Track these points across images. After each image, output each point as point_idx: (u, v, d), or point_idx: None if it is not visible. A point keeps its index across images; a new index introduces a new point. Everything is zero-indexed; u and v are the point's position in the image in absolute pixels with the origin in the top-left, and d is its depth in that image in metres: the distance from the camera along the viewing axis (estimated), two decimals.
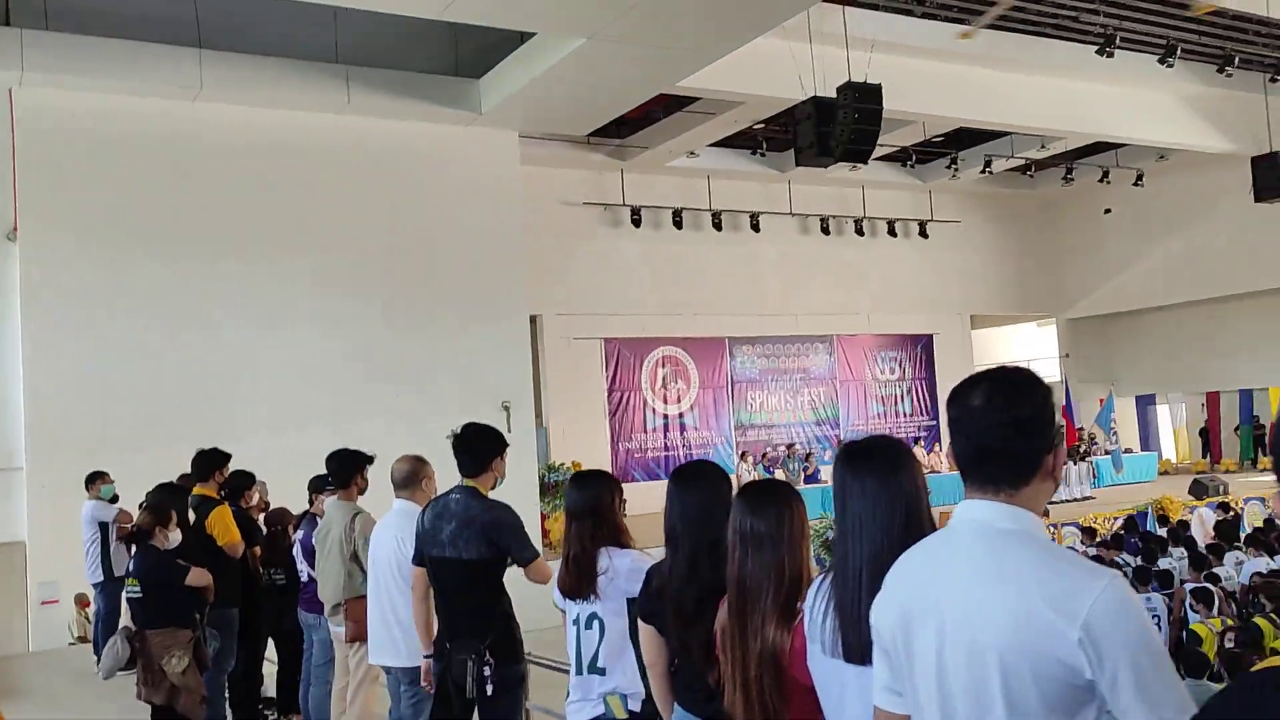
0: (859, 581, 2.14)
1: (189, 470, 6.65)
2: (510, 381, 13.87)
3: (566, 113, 13.95)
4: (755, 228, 19.48)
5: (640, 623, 3.07)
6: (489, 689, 3.92)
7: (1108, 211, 22.18)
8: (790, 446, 18.72)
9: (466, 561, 4.07)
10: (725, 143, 18.22)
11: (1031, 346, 25.20)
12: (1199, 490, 16.28)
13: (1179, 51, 14.92)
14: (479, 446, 4.28)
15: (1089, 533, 12.52)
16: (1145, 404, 23.41)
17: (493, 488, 4.32)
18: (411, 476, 4.83)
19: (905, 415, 21.66)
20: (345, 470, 5.57)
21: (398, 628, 4.67)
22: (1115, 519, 14.25)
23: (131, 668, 5.90)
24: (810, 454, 18.28)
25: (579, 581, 3.47)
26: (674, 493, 2.98)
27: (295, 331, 12.72)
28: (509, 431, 12.70)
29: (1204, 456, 22.85)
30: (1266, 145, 16.62)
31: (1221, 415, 22.26)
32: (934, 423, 21.65)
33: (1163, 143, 18.17)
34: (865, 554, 2.14)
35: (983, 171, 19.37)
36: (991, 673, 1.65)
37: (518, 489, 4.75)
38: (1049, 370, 24.97)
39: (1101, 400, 21.75)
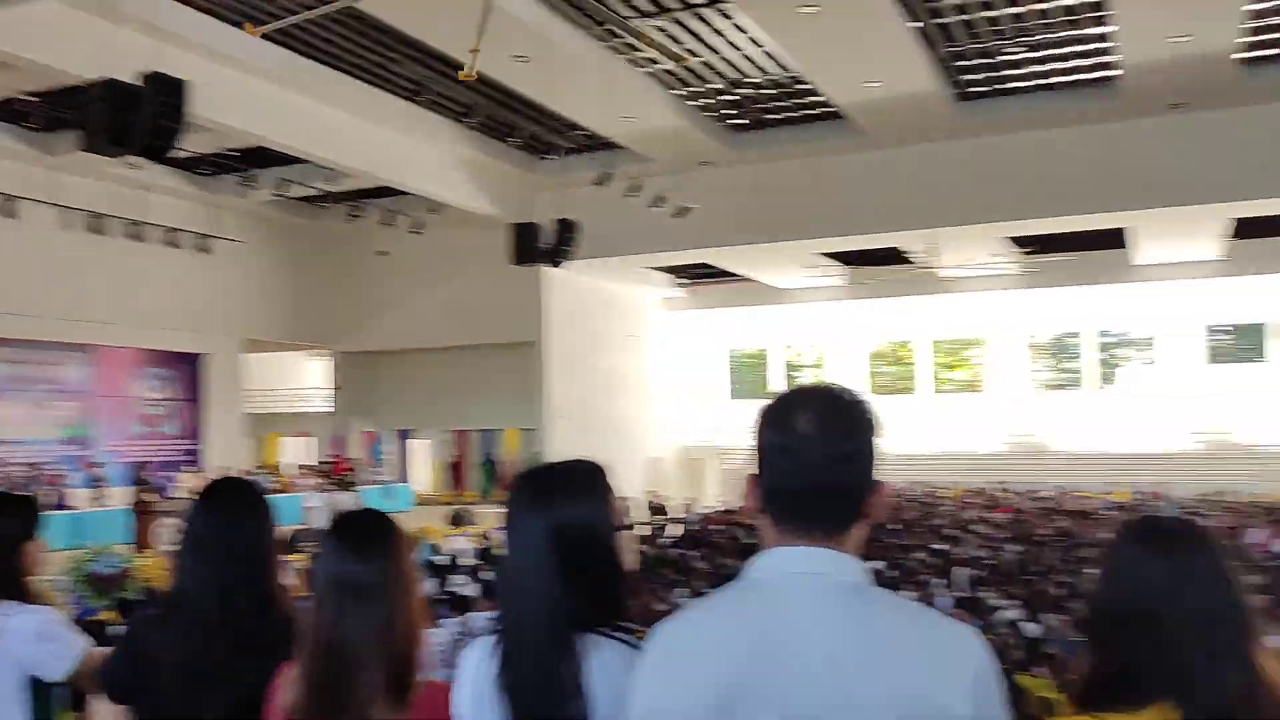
0: (538, 644, 1.74)
1: None
2: None
3: None
4: (10, 213, 16.83)
5: (107, 703, 2.28)
6: None
7: (383, 253, 23.35)
8: (35, 466, 16.33)
9: None
10: None
11: (306, 376, 25.40)
12: (459, 519, 17.70)
13: (475, 115, 16.47)
14: None
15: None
16: (404, 437, 24.98)
17: None
18: None
19: (169, 438, 20.31)
20: None
21: None
22: None
23: None
24: (61, 476, 16.16)
25: None
26: (200, 517, 2.28)
27: None
28: None
29: (452, 488, 25.08)
30: (527, 215, 18.92)
31: (467, 451, 24.71)
32: (197, 445, 20.62)
33: (438, 197, 19.66)
34: (543, 608, 1.76)
35: (276, 195, 19.16)
36: None
37: None
38: (323, 401, 25.43)
39: (370, 433, 22.68)
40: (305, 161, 18.56)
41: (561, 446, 22.34)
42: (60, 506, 15.09)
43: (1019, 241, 22.45)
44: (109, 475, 17.30)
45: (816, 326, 29.33)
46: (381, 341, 23.88)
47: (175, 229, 19.66)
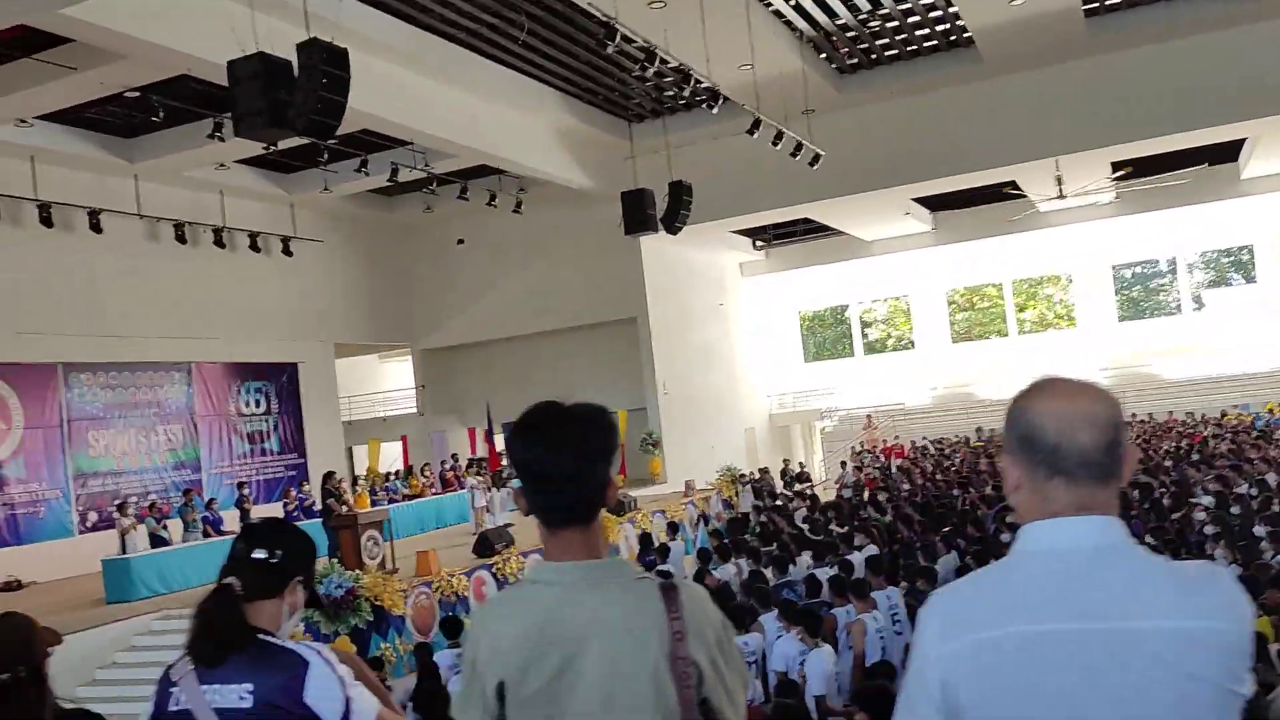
0: None
1: None
2: None
3: None
4: (96, 228, 15.61)
5: None
6: None
7: (460, 242, 22.25)
8: (187, 492, 14.87)
9: None
10: (62, 117, 14.36)
11: (386, 379, 24.21)
12: (619, 509, 16.41)
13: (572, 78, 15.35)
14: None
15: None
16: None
17: None
18: None
19: (274, 454, 19.08)
20: None
21: None
22: None
23: None
24: (213, 500, 14.95)
25: None
26: None
27: None
28: None
29: None
30: (624, 184, 17.65)
31: None
32: (302, 460, 19.44)
33: (539, 172, 18.35)
34: None
35: (361, 171, 17.56)
36: None
37: None
38: (407, 403, 24.23)
39: (472, 430, 21.48)
40: (389, 147, 17.39)
41: (669, 425, 21.31)
42: (220, 531, 13.78)
43: (1116, 166, 21.41)
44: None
45: (894, 278, 28.38)
46: (465, 334, 22.73)
47: (257, 233, 18.48)
